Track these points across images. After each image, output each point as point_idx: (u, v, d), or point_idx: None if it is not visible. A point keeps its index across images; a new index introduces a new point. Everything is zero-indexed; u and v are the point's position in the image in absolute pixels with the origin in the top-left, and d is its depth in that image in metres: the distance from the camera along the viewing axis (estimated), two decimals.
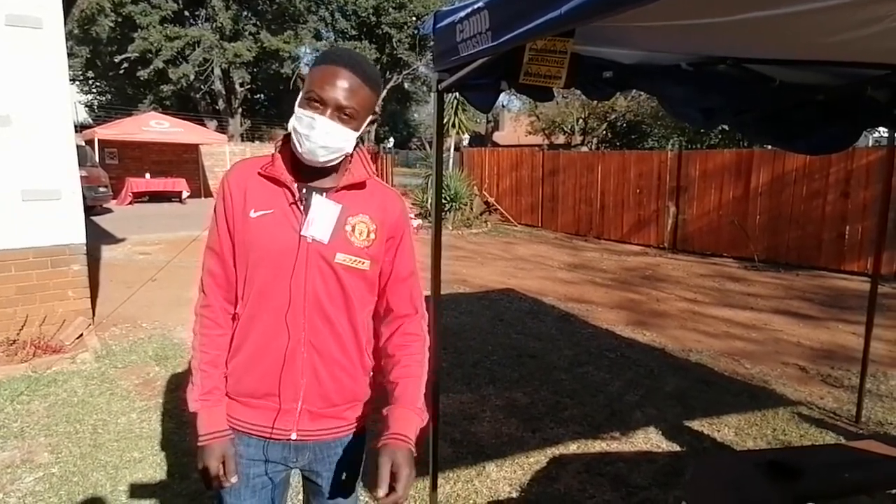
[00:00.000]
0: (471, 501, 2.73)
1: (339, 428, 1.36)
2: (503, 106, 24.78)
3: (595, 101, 16.63)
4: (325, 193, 1.27)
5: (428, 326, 1.41)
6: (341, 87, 1.19)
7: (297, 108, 1.22)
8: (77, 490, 2.73)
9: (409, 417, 1.25)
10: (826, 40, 2.01)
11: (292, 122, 1.22)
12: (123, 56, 22.00)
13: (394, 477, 1.13)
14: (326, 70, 1.20)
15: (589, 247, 11.23)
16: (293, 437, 1.32)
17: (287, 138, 1.28)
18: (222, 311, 1.33)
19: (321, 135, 1.19)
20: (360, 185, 1.31)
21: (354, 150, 1.32)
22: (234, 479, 1.30)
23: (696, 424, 3.56)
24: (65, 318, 4.68)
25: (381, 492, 1.11)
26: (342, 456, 1.38)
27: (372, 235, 1.29)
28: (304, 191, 1.27)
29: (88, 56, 23.73)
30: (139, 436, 3.26)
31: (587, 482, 2.89)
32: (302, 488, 1.49)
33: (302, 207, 1.26)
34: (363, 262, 1.29)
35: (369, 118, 1.28)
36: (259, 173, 1.28)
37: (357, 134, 1.25)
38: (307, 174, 1.28)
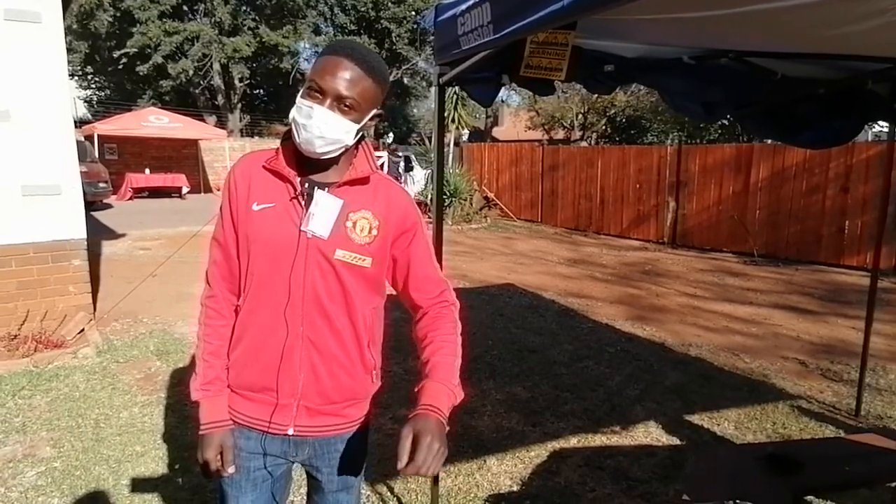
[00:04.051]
0: (472, 495, 2.74)
1: (339, 425, 1.35)
2: (503, 101, 24.64)
3: (594, 96, 16.67)
4: (327, 188, 1.26)
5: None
6: (342, 77, 1.17)
7: (297, 99, 1.20)
8: (79, 484, 2.74)
9: (440, 391, 1.18)
10: (827, 33, 2.01)
11: (292, 113, 1.20)
12: (122, 51, 21.87)
13: (415, 447, 1.04)
14: (328, 60, 1.18)
15: (589, 242, 11.23)
16: (290, 432, 1.31)
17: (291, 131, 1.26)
18: (226, 301, 1.33)
19: (318, 125, 1.17)
20: (364, 181, 1.29)
21: (359, 144, 1.30)
22: (231, 470, 1.30)
23: (695, 418, 3.57)
24: (66, 314, 4.69)
25: (401, 463, 1.03)
26: (343, 452, 1.37)
27: (374, 232, 1.27)
28: (307, 185, 1.26)
29: (87, 51, 23.59)
30: (141, 430, 3.27)
31: (587, 476, 2.90)
32: (305, 482, 1.50)
33: (303, 202, 1.25)
34: (363, 259, 1.27)
35: (372, 112, 1.24)
36: (263, 166, 1.27)
37: (358, 126, 1.22)
38: (310, 169, 1.27)
